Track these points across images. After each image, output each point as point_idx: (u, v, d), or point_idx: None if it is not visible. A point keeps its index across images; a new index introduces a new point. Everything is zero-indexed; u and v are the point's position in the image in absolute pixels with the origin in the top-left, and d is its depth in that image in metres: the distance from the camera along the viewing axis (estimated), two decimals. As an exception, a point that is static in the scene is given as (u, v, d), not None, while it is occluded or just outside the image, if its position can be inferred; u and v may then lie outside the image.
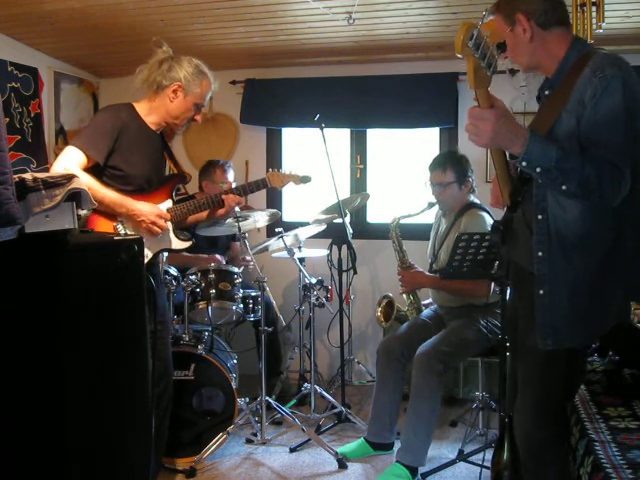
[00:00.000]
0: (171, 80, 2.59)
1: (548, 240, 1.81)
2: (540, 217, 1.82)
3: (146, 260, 2.63)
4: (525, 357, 1.98)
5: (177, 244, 2.75)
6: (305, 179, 3.07)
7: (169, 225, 2.68)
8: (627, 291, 1.85)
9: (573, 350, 1.86)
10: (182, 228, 2.81)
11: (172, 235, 2.73)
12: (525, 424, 1.94)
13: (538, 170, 1.69)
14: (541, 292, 1.84)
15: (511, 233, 1.95)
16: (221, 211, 2.86)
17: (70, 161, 2.41)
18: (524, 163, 1.69)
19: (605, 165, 1.68)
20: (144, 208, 2.58)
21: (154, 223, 2.59)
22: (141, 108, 2.65)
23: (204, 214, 2.85)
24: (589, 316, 1.82)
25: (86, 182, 2.31)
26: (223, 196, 2.82)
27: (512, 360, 2.08)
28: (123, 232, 2.55)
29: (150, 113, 2.65)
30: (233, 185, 4.13)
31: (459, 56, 1.55)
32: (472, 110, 1.69)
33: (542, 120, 1.86)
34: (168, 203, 2.71)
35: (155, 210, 2.61)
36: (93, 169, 2.49)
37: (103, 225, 2.53)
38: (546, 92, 1.93)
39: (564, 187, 1.70)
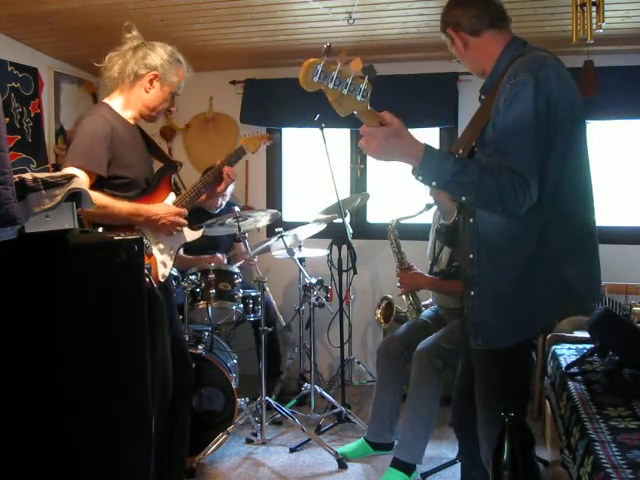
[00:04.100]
0: (147, 69, 2.44)
1: (477, 242, 1.85)
2: (471, 220, 1.86)
3: (171, 263, 2.57)
4: (471, 355, 1.99)
5: (191, 235, 2.70)
6: (273, 138, 3.07)
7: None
8: (558, 295, 1.81)
9: (511, 348, 1.84)
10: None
11: (185, 228, 2.65)
12: (479, 418, 1.95)
13: (434, 184, 1.72)
14: (472, 293, 1.87)
15: (458, 236, 2.00)
16: (221, 187, 2.78)
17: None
18: (420, 177, 1.73)
19: (509, 176, 1.65)
20: (160, 210, 2.48)
21: (174, 222, 2.51)
22: (115, 104, 2.49)
23: (204, 197, 2.77)
24: (515, 317, 1.82)
25: (100, 202, 2.23)
26: (219, 170, 2.72)
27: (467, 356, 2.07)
28: (148, 243, 2.47)
29: (126, 108, 2.50)
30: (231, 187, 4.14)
31: (308, 90, 1.62)
32: (363, 127, 1.77)
33: (474, 126, 1.88)
34: (172, 197, 2.62)
35: (171, 209, 2.52)
36: (95, 184, 2.32)
37: None
38: (482, 97, 1.95)
39: (463, 198, 1.71)
